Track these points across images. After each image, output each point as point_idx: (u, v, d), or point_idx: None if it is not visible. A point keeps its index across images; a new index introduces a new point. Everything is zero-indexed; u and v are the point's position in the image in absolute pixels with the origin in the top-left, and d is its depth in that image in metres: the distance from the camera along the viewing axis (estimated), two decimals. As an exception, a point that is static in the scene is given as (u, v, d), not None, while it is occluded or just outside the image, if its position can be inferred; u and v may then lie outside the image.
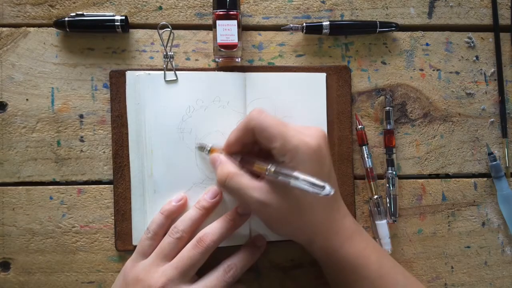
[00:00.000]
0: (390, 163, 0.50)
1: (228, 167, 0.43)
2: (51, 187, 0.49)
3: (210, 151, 0.46)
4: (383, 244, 0.49)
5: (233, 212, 0.45)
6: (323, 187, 0.36)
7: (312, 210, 0.41)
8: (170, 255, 0.42)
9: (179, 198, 0.46)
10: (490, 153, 0.52)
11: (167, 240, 0.43)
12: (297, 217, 0.41)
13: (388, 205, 0.50)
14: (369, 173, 0.50)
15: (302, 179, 0.37)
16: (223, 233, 0.43)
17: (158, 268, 0.42)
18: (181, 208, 0.46)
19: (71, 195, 0.49)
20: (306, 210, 0.41)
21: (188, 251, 0.42)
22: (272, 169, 0.39)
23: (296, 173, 0.37)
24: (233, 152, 0.45)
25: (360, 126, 0.51)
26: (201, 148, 0.47)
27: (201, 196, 0.46)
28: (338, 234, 0.43)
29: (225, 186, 0.42)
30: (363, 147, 0.50)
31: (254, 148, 0.45)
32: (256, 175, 0.42)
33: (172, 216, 0.45)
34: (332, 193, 0.36)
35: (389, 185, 0.50)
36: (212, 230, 0.43)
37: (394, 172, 0.50)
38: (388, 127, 0.50)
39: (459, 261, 0.52)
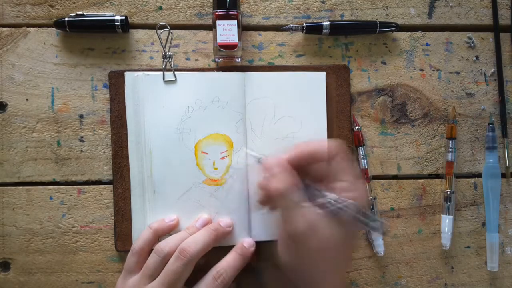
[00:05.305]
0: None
1: (292, 178, 0.39)
2: (51, 187, 0.49)
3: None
4: (376, 245, 0.50)
5: (216, 224, 0.45)
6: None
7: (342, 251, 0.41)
8: (155, 275, 0.42)
9: (172, 218, 0.46)
10: (490, 123, 0.52)
11: (153, 259, 0.42)
12: (333, 253, 0.39)
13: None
14: (364, 175, 0.50)
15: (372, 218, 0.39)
16: (205, 243, 0.43)
17: (145, 287, 0.41)
18: (171, 228, 0.46)
19: (71, 195, 0.49)
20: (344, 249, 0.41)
21: (172, 265, 0.41)
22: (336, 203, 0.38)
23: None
24: (294, 165, 0.40)
25: (357, 127, 0.51)
26: (257, 158, 0.44)
27: (191, 223, 0.46)
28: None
29: (282, 196, 0.38)
30: (359, 148, 0.51)
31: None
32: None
33: (159, 234, 0.45)
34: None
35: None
36: (194, 240, 0.42)
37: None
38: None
39: (459, 261, 0.52)
